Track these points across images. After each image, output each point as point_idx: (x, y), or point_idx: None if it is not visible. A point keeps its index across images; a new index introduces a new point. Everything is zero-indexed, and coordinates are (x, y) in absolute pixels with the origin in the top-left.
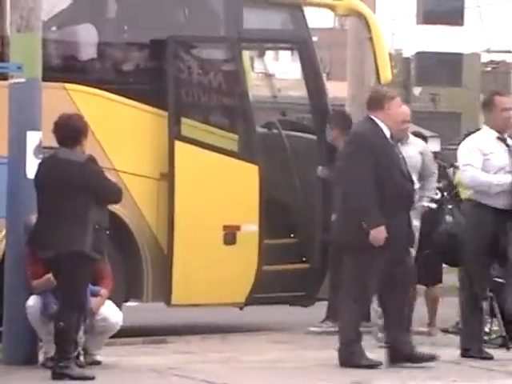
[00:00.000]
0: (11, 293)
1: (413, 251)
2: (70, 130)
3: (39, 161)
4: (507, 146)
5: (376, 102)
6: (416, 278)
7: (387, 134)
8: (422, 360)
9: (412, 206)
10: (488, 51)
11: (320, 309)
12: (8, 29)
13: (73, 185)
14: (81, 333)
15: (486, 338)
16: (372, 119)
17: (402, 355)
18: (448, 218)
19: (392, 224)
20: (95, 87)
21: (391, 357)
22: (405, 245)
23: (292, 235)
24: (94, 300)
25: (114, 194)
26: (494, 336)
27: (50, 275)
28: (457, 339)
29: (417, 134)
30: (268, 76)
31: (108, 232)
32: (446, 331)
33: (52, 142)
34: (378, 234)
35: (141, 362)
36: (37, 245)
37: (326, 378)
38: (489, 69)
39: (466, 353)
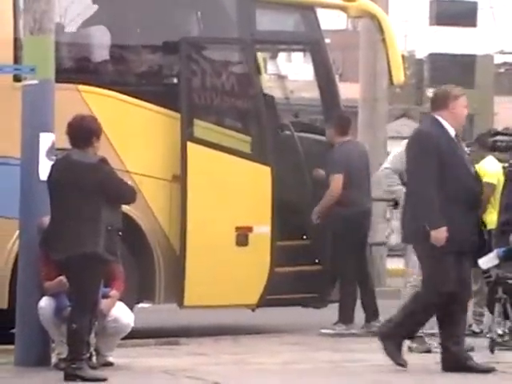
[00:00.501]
0: (24, 294)
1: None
2: (83, 131)
3: (52, 162)
4: None
5: (440, 101)
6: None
7: (452, 133)
8: (479, 370)
9: (480, 206)
10: (501, 52)
11: (332, 311)
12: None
13: (85, 186)
14: (93, 334)
15: (499, 340)
16: (436, 119)
17: (458, 364)
18: None
19: (459, 224)
20: (108, 89)
21: (447, 365)
22: (470, 246)
23: (304, 237)
24: (104, 301)
25: (128, 194)
26: (506, 338)
27: (62, 277)
28: (470, 341)
29: None
30: (280, 77)
31: (121, 233)
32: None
33: (65, 143)
34: (439, 234)
35: (153, 364)
36: (49, 246)
37: (337, 380)
38: (502, 70)
39: None
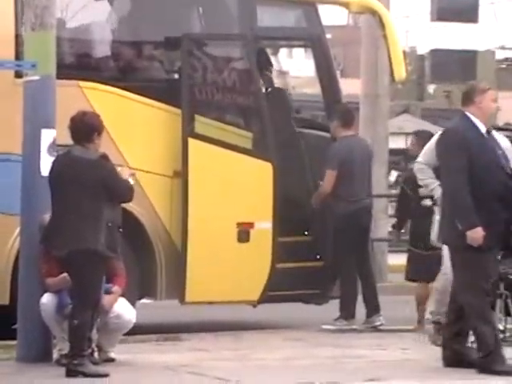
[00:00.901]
0: (25, 290)
1: None
2: (84, 127)
3: (53, 158)
4: None
5: (467, 96)
6: None
7: (482, 128)
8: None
9: None
10: (502, 48)
11: (333, 307)
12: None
13: (86, 182)
14: (94, 330)
15: (500, 336)
16: (465, 115)
17: (460, 360)
18: None
19: (493, 221)
20: (109, 85)
21: (450, 361)
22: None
23: (306, 233)
24: (106, 297)
25: (126, 192)
26: (508, 334)
27: (65, 274)
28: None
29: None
30: (282, 74)
31: (121, 229)
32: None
33: (66, 139)
34: (474, 235)
35: (154, 360)
36: (50, 243)
37: (339, 376)
38: (503, 66)
39: None
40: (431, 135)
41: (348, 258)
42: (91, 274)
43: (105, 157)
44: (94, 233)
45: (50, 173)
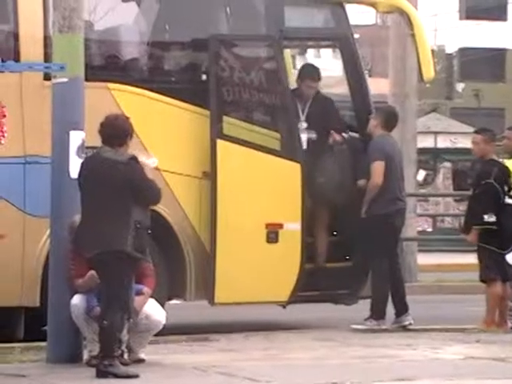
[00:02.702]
0: (55, 292)
1: None
2: (118, 131)
3: (82, 160)
4: None
5: None
6: None
7: None
8: None
9: None
10: None
11: (363, 306)
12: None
13: (116, 184)
14: (125, 331)
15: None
16: None
17: None
18: None
19: None
20: (137, 86)
21: None
22: None
23: (335, 233)
24: (137, 298)
25: (155, 195)
26: None
27: (93, 272)
28: (502, 337)
29: None
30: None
31: (150, 231)
32: None
33: (95, 141)
34: None
35: (184, 360)
36: (80, 244)
37: (369, 376)
38: None
39: None
40: (494, 134)
41: (383, 259)
42: (120, 275)
43: (134, 158)
44: (122, 234)
45: (80, 174)
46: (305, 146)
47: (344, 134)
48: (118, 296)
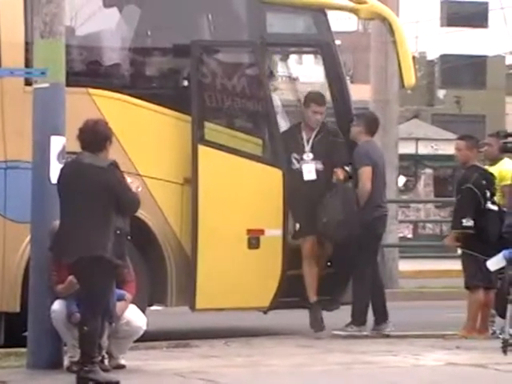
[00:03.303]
0: (36, 297)
1: None
2: (98, 136)
3: (61, 166)
4: None
5: None
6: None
7: None
8: None
9: None
10: None
11: (344, 312)
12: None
13: (96, 190)
14: (105, 337)
15: (511, 341)
16: None
17: None
18: None
19: None
20: (119, 92)
21: None
22: None
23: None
24: (118, 304)
25: (135, 202)
26: None
27: (71, 277)
28: (483, 343)
29: None
30: (291, 80)
31: (129, 237)
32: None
33: (75, 147)
34: None
35: (165, 366)
36: (60, 250)
37: (352, 382)
38: None
39: None
40: (477, 141)
41: (366, 265)
42: (99, 280)
43: (115, 164)
44: (101, 240)
45: (59, 180)
46: (309, 177)
47: (347, 168)
48: (98, 302)
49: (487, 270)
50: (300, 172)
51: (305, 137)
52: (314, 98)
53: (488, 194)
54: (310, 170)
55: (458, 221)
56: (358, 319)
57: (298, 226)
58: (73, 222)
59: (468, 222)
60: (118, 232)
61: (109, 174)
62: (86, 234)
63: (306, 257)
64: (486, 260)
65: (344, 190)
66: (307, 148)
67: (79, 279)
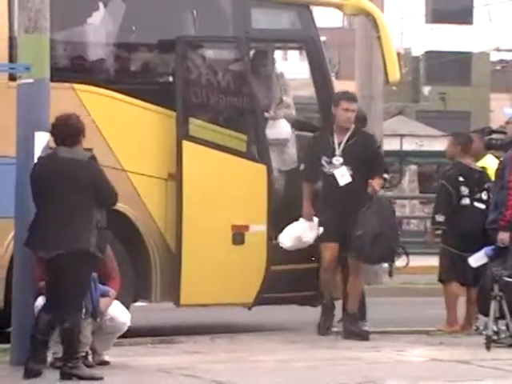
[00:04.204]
0: (19, 293)
1: None
2: (71, 130)
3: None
4: None
5: None
6: None
7: None
8: None
9: None
10: (497, 50)
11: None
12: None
13: (77, 183)
14: (89, 333)
15: (494, 337)
16: None
17: None
18: None
19: None
20: (104, 87)
21: None
22: None
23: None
24: (102, 300)
25: (114, 195)
26: (502, 336)
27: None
28: (467, 339)
29: None
30: (276, 76)
31: (107, 230)
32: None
33: None
34: None
35: (149, 362)
36: (37, 245)
37: (333, 378)
38: (498, 67)
39: None
40: (469, 137)
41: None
42: (83, 275)
43: (94, 158)
44: (85, 233)
45: (35, 175)
46: (344, 181)
47: (386, 176)
48: (80, 297)
49: (462, 265)
50: (328, 176)
51: (336, 140)
52: (343, 95)
53: (465, 191)
54: (343, 174)
55: (433, 216)
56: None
57: (322, 230)
58: (53, 216)
59: (439, 218)
60: (99, 225)
61: (90, 168)
62: (70, 228)
63: (324, 265)
64: (461, 255)
65: (380, 201)
66: (338, 152)
67: (60, 274)
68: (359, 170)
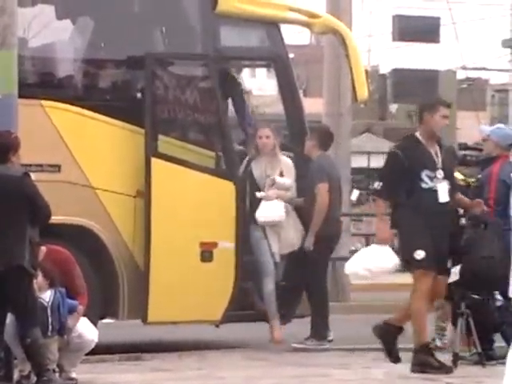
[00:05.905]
0: None
1: None
2: (2, 147)
3: None
4: None
5: None
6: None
7: None
8: None
9: None
10: (464, 68)
11: (297, 325)
12: None
13: (11, 199)
14: (55, 350)
15: (462, 354)
16: None
17: None
18: None
19: None
20: (72, 104)
21: None
22: None
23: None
24: (70, 316)
25: (48, 211)
26: (470, 353)
27: None
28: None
29: None
30: (245, 93)
31: (42, 247)
32: None
33: (30, 158)
34: None
35: (117, 379)
36: None
37: None
38: (465, 85)
39: None
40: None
41: (323, 278)
42: (26, 290)
43: (28, 175)
44: (20, 249)
45: None
46: (444, 198)
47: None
48: (30, 311)
49: None
50: (430, 191)
51: (432, 151)
52: (441, 101)
53: None
54: (445, 190)
55: None
56: (319, 333)
57: (420, 254)
58: None
59: None
60: (32, 241)
61: (25, 183)
62: (5, 245)
63: (421, 292)
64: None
65: (495, 224)
66: (439, 164)
67: (5, 291)
68: (451, 185)
